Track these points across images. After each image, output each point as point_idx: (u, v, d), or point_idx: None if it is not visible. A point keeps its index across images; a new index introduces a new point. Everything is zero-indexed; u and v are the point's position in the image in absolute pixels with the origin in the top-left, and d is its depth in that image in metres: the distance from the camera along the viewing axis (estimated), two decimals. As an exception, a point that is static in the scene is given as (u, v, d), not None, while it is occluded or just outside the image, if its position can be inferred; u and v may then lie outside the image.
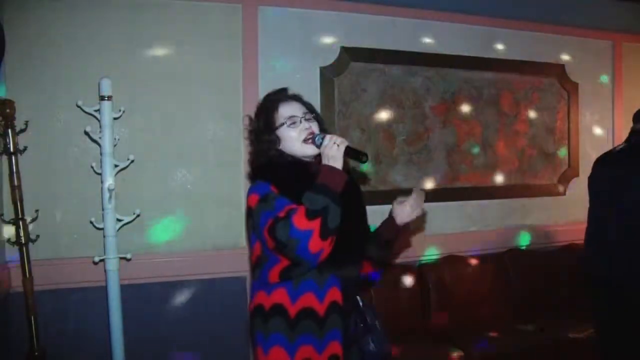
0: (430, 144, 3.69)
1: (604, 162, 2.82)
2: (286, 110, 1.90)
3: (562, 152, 4.15)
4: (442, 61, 3.70)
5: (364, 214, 2.02)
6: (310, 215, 1.64)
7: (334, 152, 1.74)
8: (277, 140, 1.88)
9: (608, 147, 4.08)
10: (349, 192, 1.85)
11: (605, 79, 4.30)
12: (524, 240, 3.96)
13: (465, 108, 3.79)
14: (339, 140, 1.76)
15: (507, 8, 3.73)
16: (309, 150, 1.86)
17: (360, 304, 1.99)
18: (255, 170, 1.93)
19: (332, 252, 1.71)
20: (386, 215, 2.04)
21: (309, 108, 1.97)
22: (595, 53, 4.25)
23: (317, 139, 1.82)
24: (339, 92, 3.43)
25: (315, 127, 1.90)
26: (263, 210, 1.73)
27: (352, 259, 1.92)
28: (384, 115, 3.55)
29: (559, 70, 4.11)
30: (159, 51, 3.02)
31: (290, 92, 2.00)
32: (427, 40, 3.67)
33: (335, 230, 1.69)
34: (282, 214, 1.68)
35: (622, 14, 4.11)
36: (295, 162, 1.89)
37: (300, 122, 1.88)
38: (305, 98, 2.01)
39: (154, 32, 3.01)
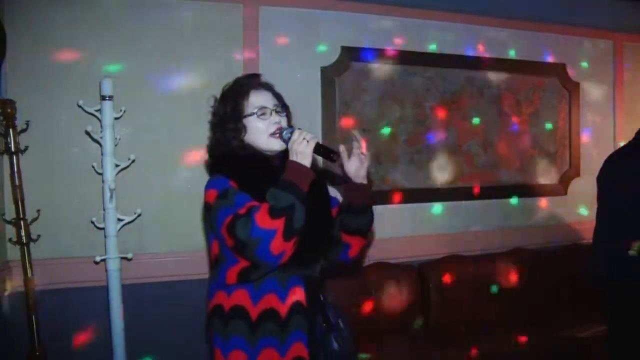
0: (431, 144, 3.69)
1: (609, 161, 2.83)
2: (257, 99, 1.80)
3: (563, 152, 4.14)
4: (443, 61, 3.70)
5: (329, 211, 1.90)
6: (275, 213, 1.53)
7: (302, 148, 1.64)
8: (243, 129, 1.76)
9: (609, 146, 4.09)
10: (315, 188, 1.73)
11: (606, 78, 4.29)
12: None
13: (466, 108, 3.79)
14: (308, 136, 1.67)
15: (508, 8, 3.72)
16: (276, 145, 1.76)
17: (323, 302, 1.92)
18: (214, 161, 1.82)
19: (298, 251, 1.63)
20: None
21: (280, 100, 1.87)
22: (596, 52, 4.25)
23: (284, 133, 1.73)
24: (340, 91, 3.43)
25: (284, 122, 1.81)
26: (221, 207, 1.62)
27: (318, 258, 1.82)
28: (384, 115, 3.55)
29: (560, 70, 4.11)
30: (160, 51, 3.02)
31: (263, 79, 1.90)
32: (428, 40, 3.66)
33: (300, 231, 1.58)
34: (242, 211, 1.57)
35: (623, 13, 4.10)
36: (258, 156, 1.78)
37: (271, 114, 1.78)
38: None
39: (154, 32, 3.01)
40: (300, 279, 1.75)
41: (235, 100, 1.79)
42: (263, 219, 1.53)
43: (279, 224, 1.53)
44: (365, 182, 1.84)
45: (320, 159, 1.96)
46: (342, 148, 1.79)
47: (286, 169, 1.64)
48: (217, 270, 1.75)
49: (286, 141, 1.71)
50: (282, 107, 1.85)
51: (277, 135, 1.75)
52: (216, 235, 1.70)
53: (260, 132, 1.76)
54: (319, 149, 1.69)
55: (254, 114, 1.76)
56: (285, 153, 1.73)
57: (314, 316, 1.82)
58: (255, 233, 1.52)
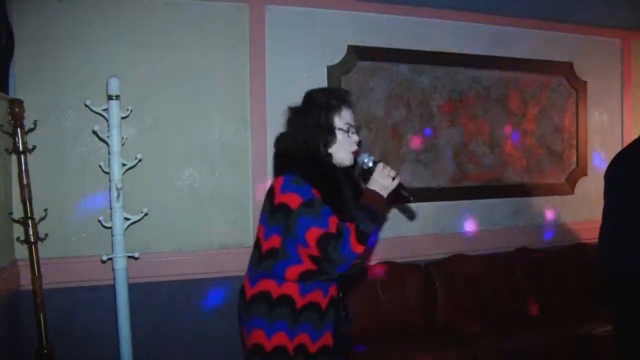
0: (438, 143, 3.68)
1: (616, 159, 2.82)
2: (347, 116, 1.92)
3: (570, 151, 4.12)
4: (449, 60, 3.69)
5: None
6: (362, 239, 1.72)
7: (388, 183, 1.83)
8: (334, 140, 1.88)
9: (617, 145, 4.07)
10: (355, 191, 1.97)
11: (614, 77, 4.27)
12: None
13: (473, 107, 3.77)
14: (392, 172, 1.84)
15: (514, 6, 3.70)
16: (348, 162, 1.92)
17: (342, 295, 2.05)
18: (299, 163, 1.86)
19: None
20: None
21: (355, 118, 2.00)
22: (604, 51, 4.22)
23: (364, 158, 1.91)
24: (346, 91, 3.42)
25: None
26: (306, 215, 1.74)
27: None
28: (391, 114, 3.54)
29: (567, 69, 4.09)
30: (167, 50, 3.03)
31: (351, 98, 2.00)
32: (435, 38, 3.65)
33: None
34: (333, 229, 1.72)
35: (631, 11, 4.07)
36: (335, 168, 1.91)
37: (354, 132, 1.93)
38: None
39: (161, 31, 3.02)
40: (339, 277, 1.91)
41: (328, 110, 1.89)
42: (354, 244, 1.72)
43: (363, 249, 1.74)
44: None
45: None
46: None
47: (372, 198, 1.82)
48: (272, 263, 1.84)
49: (363, 164, 1.92)
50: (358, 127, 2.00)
51: (354, 155, 1.92)
52: (287, 236, 1.80)
53: (343, 147, 1.90)
54: (400, 188, 1.88)
55: (343, 130, 1.90)
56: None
57: (340, 308, 1.99)
58: (346, 254, 1.72)
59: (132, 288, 2.75)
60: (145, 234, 2.95)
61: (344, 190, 1.90)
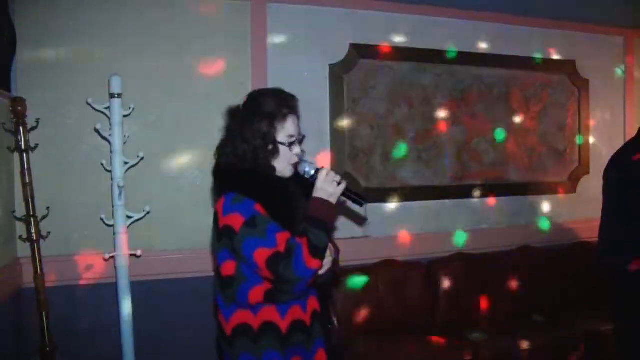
0: (440, 141, 3.68)
1: (615, 157, 2.83)
2: (291, 127, 1.77)
3: (573, 150, 4.11)
4: (451, 58, 3.68)
5: None
6: (316, 253, 1.61)
7: (333, 189, 1.69)
8: (277, 153, 1.75)
9: (619, 144, 4.04)
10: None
11: (616, 75, 4.26)
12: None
13: (475, 105, 3.77)
14: (337, 177, 1.71)
15: (516, 4, 3.69)
16: (289, 173, 1.79)
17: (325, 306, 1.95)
18: (238, 178, 1.74)
19: None
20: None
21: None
22: (606, 49, 4.22)
23: (305, 167, 1.77)
24: (348, 89, 3.42)
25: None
26: (251, 236, 1.61)
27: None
28: (393, 112, 3.54)
29: (570, 67, 4.08)
30: (168, 49, 3.03)
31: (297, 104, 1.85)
32: (437, 36, 3.65)
33: None
34: (282, 248, 1.59)
35: (634, 9, 4.06)
36: (279, 180, 1.78)
37: (295, 144, 1.79)
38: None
39: (163, 29, 3.02)
40: (314, 288, 1.80)
41: (273, 120, 1.74)
42: (308, 259, 1.59)
43: (319, 263, 1.63)
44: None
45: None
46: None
47: (320, 208, 1.68)
48: (233, 290, 1.70)
49: (305, 174, 1.77)
50: (302, 136, 1.85)
51: (295, 166, 1.79)
52: (236, 259, 1.68)
53: (285, 161, 1.77)
54: (347, 193, 1.75)
55: (285, 143, 1.76)
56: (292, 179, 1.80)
57: (325, 321, 1.88)
58: (301, 273, 1.59)
59: (134, 286, 2.76)
60: (147, 232, 2.95)
61: (294, 202, 1.76)
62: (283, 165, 1.77)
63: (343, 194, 1.73)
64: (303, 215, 1.70)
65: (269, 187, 1.72)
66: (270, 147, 1.73)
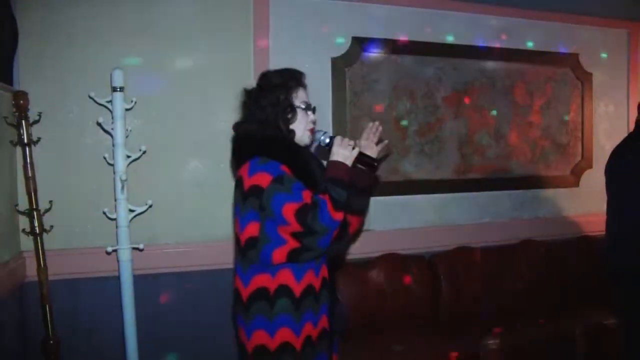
0: (442, 134, 3.67)
1: (612, 153, 2.83)
2: (303, 95, 1.97)
3: (576, 144, 4.10)
4: (454, 51, 3.67)
5: None
6: (339, 207, 1.73)
7: (348, 152, 1.85)
8: (295, 118, 1.91)
9: (622, 138, 4.04)
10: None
11: (620, 69, 4.24)
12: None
13: (478, 99, 3.76)
14: (352, 142, 1.88)
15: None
16: (306, 140, 1.96)
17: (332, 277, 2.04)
18: (262, 143, 1.84)
19: None
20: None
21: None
22: (610, 42, 4.19)
23: (320, 134, 1.96)
24: (351, 82, 3.41)
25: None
26: (279, 192, 1.73)
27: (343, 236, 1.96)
28: (395, 105, 3.53)
29: (573, 60, 4.06)
30: (170, 43, 3.02)
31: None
32: (439, 30, 3.63)
33: None
34: (309, 201, 1.72)
35: (637, 2, 4.04)
36: (301, 147, 1.95)
37: (310, 110, 1.97)
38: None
39: (165, 23, 3.01)
40: (325, 256, 1.91)
41: (287, 89, 1.93)
42: (333, 211, 1.71)
43: (342, 216, 1.75)
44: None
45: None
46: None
47: (337, 168, 1.82)
48: (256, 251, 1.79)
49: (320, 142, 1.96)
50: (313, 107, 2.01)
51: (311, 132, 1.96)
52: (262, 218, 1.76)
53: (302, 123, 1.93)
54: (361, 156, 1.93)
55: (302, 107, 1.94)
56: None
57: (332, 290, 1.99)
58: (327, 223, 1.70)
59: (137, 279, 2.76)
60: (149, 225, 2.95)
61: (312, 167, 1.92)
62: (301, 130, 1.93)
63: (357, 158, 1.90)
64: (323, 178, 1.85)
65: (291, 150, 1.86)
66: (289, 110, 1.89)
